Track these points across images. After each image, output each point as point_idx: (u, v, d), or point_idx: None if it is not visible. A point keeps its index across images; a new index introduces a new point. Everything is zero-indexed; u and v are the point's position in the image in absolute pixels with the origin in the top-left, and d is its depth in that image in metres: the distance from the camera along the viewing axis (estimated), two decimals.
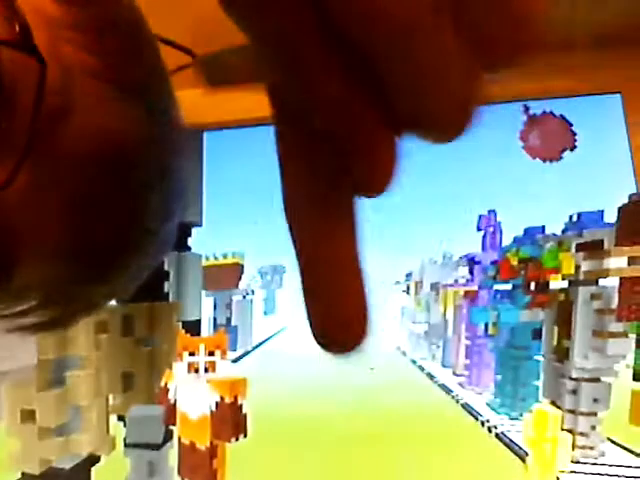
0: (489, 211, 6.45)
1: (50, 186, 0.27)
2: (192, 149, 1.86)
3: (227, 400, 2.12)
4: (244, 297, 10.02)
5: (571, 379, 3.69)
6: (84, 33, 0.30)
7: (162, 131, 0.34)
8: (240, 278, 8.75)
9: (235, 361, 8.34)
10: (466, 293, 7.05)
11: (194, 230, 2.31)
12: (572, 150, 1.31)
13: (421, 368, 8.84)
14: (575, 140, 1.27)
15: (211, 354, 2.21)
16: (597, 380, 3.65)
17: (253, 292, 10.68)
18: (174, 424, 2.18)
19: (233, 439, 2.12)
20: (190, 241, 2.33)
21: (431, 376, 7.80)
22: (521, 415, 3.88)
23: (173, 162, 0.35)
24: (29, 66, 0.26)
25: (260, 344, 11.36)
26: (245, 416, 2.14)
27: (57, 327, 0.36)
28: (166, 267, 2.22)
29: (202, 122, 1.03)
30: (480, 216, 6.49)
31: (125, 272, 0.35)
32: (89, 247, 0.30)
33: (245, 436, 2.13)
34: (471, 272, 6.72)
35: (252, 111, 0.92)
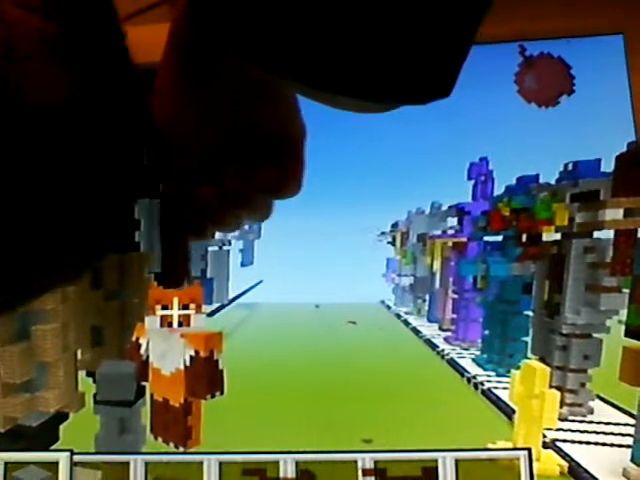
0: (480, 159, 6.43)
1: None
2: None
3: (202, 355, 2.14)
4: (220, 248, 10.01)
5: (561, 335, 3.75)
6: None
7: (101, 99, 0.34)
8: None
9: (211, 315, 8.39)
10: (454, 245, 7.09)
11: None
12: (569, 95, 1.30)
13: (406, 322, 8.94)
14: (573, 84, 1.26)
15: (185, 307, 2.21)
16: (588, 336, 3.71)
17: (230, 242, 10.67)
18: (146, 380, 2.20)
19: (209, 396, 2.15)
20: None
21: (416, 331, 7.89)
22: (508, 372, 3.94)
23: (116, 139, 0.36)
24: None
25: (237, 297, 11.40)
26: (221, 372, 2.16)
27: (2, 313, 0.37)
28: (137, 215, 2.20)
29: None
30: (471, 164, 6.48)
31: (73, 259, 0.36)
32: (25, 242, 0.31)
33: (222, 393, 2.16)
34: (460, 223, 6.75)
35: None
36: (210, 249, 9.36)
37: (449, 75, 0.28)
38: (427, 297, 8.97)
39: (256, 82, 0.34)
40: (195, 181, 0.42)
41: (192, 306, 2.20)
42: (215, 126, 0.38)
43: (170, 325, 2.19)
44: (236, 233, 12.41)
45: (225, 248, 10.24)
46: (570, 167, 3.81)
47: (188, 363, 2.14)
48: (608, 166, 3.41)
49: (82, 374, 2.36)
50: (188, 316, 2.21)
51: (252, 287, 13.41)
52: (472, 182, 6.46)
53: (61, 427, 2.35)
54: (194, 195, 0.41)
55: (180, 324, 2.20)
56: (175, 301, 2.20)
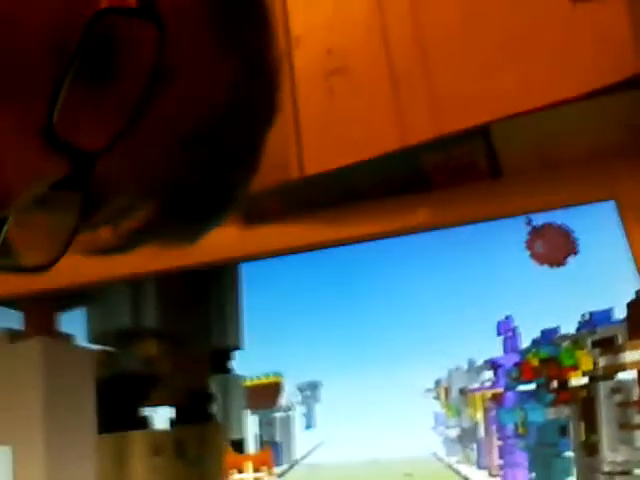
0: (506, 317, 6.37)
1: (138, 152, 0.24)
2: (229, 279, 1.88)
3: None
4: (285, 413, 9.79)
5: (603, 473, 3.48)
6: None
7: (256, 92, 0.29)
8: (280, 396, 8.58)
9: (280, 476, 8.03)
10: (493, 395, 6.84)
11: (235, 353, 2.30)
12: (575, 255, 1.30)
13: (457, 472, 8.43)
14: (577, 245, 1.26)
15: (257, 470, 2.13)
16: (629, 473, 3.43)
17: (293, 408, 10.44)
18: None
19: None
20: (232, 364, 2.31)
21: (467, 479, 7.42)
22: None
23: (262, 131, 0.31)
24: (147, 32, 0.22)
25: (302, 457, 10.97)
26: None
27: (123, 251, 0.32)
28: (211, 390, 2.19)
29: (239, 255, 1.04)
30: (499, 322, 6.42)
31: (201, 230, 0.33)
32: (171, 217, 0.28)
33: None
34: (495, 375, 6.56)
35: (284, 242, 0.94)
36: (277, 415, 9.15)
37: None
38: (474, 445, 8.53)
39: None
40: None
41: (264, 469, 2.13)
42: None
43: None
44: (299, 399, 12.17)
45: (289, 413, 10.00)
46: (587, 317, 3.76)
47: None
48: (620, 313, 3.35)
49: None
50: (261, 479, 2.12)
51: (314, 448, 12.90)
52: (501, 337, 6.36)
53: None
54: None
55: None
56: (249, 465, 2.12)
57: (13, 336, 1.28)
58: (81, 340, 1.53)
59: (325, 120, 0.78)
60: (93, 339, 1.62)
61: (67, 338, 1.41)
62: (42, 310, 1.30)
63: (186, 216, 0.29)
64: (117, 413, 1.68)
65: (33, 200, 0.22)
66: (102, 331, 1.61)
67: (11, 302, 1.24)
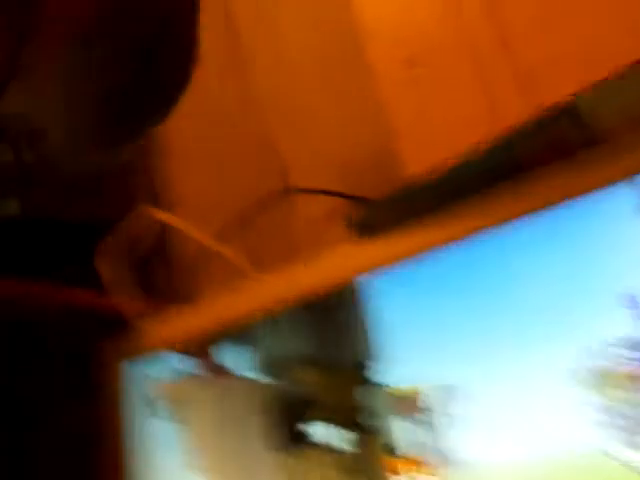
0: (629, 288, 5.91)
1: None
2: (357, 296, 1.89)
3: None
4: (427, 416, 9.56)
5: None
6: None
7: None
8: (420, 401, 8.40)
9: (432, 475, 7.79)
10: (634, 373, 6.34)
11: (376, 365, 2.30)
12: None
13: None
14: None
15: (409, 471, 2.10)
16: None
17: (434, 411, 10.19)
18: None
19: None
20: (374, 375, 2.32)
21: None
22: None
23: None
24: None
25: (450, 457, 10.61)
26: None
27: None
28: (361, 401, 2.20)
29: (358, 272, 1.02)
30: (623, 294, 5.96)
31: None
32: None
33: None
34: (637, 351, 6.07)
35: (400, 252, 0.92)
36: (420, 418, 8.95)
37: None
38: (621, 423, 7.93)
39: None
40: None
41: (414, 469, 2.09)
42: None
43: None
44: (438, 402, 11.80)
45: (432, 416, 9.75)
46: None
47: None
48: None
49: None
50: (414, 478, 2.09)
51: (460, 448, 12.45)
52: (628, 310, 5.91)
53: None
54: None
55: None
56: (402, 467, 2.10)
57: (191, 378, 1.38)
58: (244, 371, 1.59)
59: (416, 114, 0.76)
60: (255, 370, 1.69)
61: (235, 373, 1.48)
62: (206, 351, 1.38)
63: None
64: (285, 433, 1.73)
65: None
66: (260, 363, 1.68)
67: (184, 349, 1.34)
